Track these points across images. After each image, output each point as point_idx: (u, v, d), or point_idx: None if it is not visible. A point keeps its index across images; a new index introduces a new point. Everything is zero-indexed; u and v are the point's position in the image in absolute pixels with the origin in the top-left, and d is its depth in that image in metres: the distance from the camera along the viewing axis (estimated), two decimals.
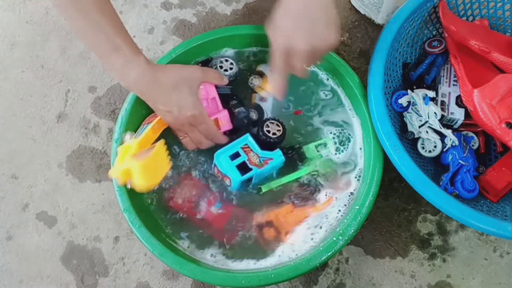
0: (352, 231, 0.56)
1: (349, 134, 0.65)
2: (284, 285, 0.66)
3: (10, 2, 0.86)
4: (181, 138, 0.62)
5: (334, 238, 0.56)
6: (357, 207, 0.58)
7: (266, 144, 0.62)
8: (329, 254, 0.55)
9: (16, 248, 0.71)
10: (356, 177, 0.63)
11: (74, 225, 0.71)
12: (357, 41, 0.79)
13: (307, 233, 0.60)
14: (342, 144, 0.65)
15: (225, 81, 0.63)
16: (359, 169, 0.63)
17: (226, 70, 0.65)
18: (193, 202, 0.62)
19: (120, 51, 0.54)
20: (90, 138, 0.76)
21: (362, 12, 0.80)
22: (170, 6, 0.84)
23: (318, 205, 0.61)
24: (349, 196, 0.61)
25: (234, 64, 0.66)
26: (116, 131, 0.63)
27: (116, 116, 0.76)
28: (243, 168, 0.60)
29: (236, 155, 0.61)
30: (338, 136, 0.65)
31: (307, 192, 0.62)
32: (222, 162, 0.61)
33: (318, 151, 0.64)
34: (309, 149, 0.64)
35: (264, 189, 0.62)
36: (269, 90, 0.65)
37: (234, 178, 0.60)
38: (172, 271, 0.68)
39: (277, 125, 0.63)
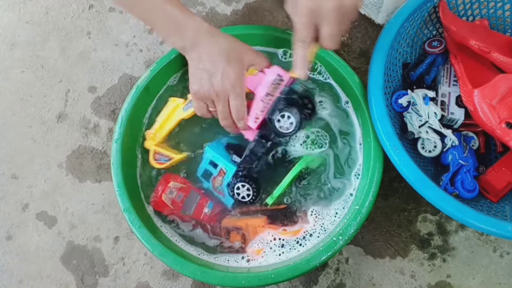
0: (352, 231, 0.56)
1: (325, 137, 0.65)
2: (284, 285, 0.66)
3: (10, 2, 0.86)
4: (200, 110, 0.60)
5: (334, 238, 0.56)
6: (357, 207, 0.58)
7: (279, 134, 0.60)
8: (329, 254, 0.55)
9: (16, 248, 0.71)
10: (355, 175, 0.63)
11: (74, 225, 0.71)
12: (357, 41, 0.79)
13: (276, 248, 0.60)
14: (318, 144, 0.65)
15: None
16: (359, 165, 0.63)
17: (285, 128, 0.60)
18: (182, 204, 0.63)
19: (178, 9, 0.55)
20: (90, 138, 0.76)
21: (362, 12, 0.80)
22: None
23: (288, 231, 0.61)
24: (348, 197, 0.61)
25: (293, 119, 0.58)
26: (116, 131, 0.63)
27: (116, 116, 0.76)
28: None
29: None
30: (316, 136, 0.65)
31: (284, 215, 0.62)
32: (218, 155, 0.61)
33: (306, 144, 0.64)
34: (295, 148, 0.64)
35: (269, 201, 0.61)
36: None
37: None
38: (172, 271, 0.68)
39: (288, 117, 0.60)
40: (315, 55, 0.54)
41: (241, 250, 0.61)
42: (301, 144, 0.64)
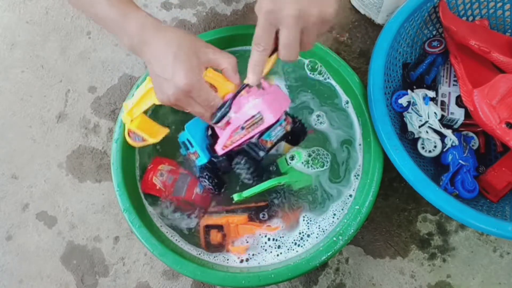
0: (352, 231, 0.56)
1: (327, 155, 0.64)
2: (284, 285, 0.66)
3: (10, 2, 0.86)
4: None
5: (334, 238, 0.56)
6: (357, 207, 0.58)
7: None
8: (329, 254, 0.55)
9: (16, 248, 0.71)
10: (355, 175, 0.63)
11: (74, 225, 0.71)
12: (357, 41, 0.79)
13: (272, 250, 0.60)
14: (318, 163, 0.64)
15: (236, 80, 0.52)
16: (359, 165, 0.63)
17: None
18: (173, 187, 0.63)
19: (121, 4, 0.51)
20: (90, 138, 0.76)
21: (362, 12, 0.80)
22: (170, 6, 0.84)
23: (270, 227, 0.61)
24: (348, 198, 0.61)
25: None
26: (116, 131, 0.63)
27: (116, 116, 0.76)
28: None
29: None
30: (316, 155, 0.64)
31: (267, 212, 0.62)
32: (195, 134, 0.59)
33: (288, 163, 0.62)
34: (282, 162, 0.63)
35: (235, 198, 0.61)
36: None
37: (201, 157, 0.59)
38: (172, 271, 0.68)
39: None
40: (272, 65, 0.49)
41: (221, 247, 0.61)
42: (302, 163, 0.62)
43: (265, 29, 0.45)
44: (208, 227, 0.61)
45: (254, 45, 0.47)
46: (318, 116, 0.66)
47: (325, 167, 0.63)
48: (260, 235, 0.60)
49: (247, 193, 0.60)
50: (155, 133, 0.60)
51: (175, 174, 0.63)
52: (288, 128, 0.54)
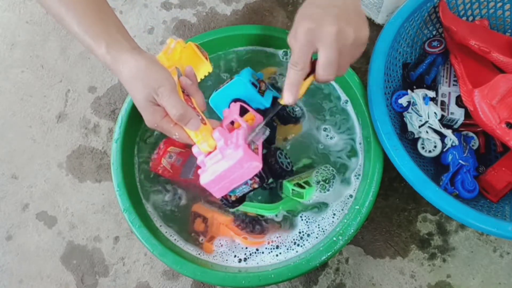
0: (352, 231, 0.56)
1: (334, 172, 0.63)
2: (284, 285, 0.66)
3: (10, 2, 0.86)
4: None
5: (334, 238, 0.56)
6: (357, 207, 0.58)
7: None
8: (329, 254, 0.55)
9: (16, 248, 0.71)
10: (355, 175, 0.63)
11: (74, 225, 0.71)
12: None
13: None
14: (327, 182, 0.63)
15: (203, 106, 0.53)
16: (359, 165, 0.63)
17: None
18: (181, 169, 0.63)
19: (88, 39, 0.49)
20: (90, 138, 0.76)
21: None
22: (170, 6, 0.84)
23: (249, 239, 0.60)
24: (348, 198, 0.61)
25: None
26: (116, 131, 0.63)
27: (116, 116, 0.76)
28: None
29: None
30: (321, 174, 0.63)
31: (251, 223, 0.61)
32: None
33: (293, 194, 0.59)
34: (287, 187, 0.60)
35: (231, 209, 0.61)
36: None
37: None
38: (172, 271, 0.68)
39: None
40: (307, 88, 0.50)
41: (198, 242, 0.61)
42: (319, 190, 0.62)
43: (304, 48, 0.45)
44: (195, 214, 0.62)
45: (291, 64, 0.47)
46: (325, 129, 0.66)
47: (332, 182, 0.63)
48: (238, 243, 0.60)
49: (242, 207, 0.60)
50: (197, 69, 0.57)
51: (184, 156, 0.63)
52: (255, 186, 0.53)
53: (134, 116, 0.64)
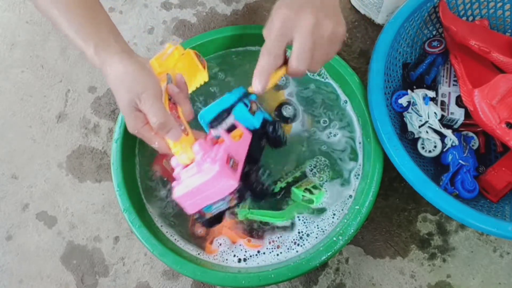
0: (352, 231, 0.56)
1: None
2: (284, 285, 0.66)
3: (10, 2, 0.86)
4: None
5: (334, 238, 0.56)
6: (357, 207, 0.58)
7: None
8: (329, 254, 0.55)
9: (16, 248, 0.71)
10: (355, 175, 0.63)
11: (74, 225, 0.71)
12: (357, 41, 0.79)
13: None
14: (322, 173, 0.63)
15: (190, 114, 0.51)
16: (359, 165, 0.63)
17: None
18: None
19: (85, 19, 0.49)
20: (90, 138, 0.76)
21: (362, 12, 0.80)
22: (170, 6, 0.84)
23: (251, 242, 0.60)
24: (347, 198, 0.61)
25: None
26: (116, 131, 0.63)
27: (116, 116, 0.76)
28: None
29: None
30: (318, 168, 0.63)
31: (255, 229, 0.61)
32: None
33: (303, 200, 0.60)
34: (296, 194, 0.61)
35: (240, 217, 0.61)
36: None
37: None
38: (172, 271, 0.68)
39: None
40: (278, 79, 0.48)
41: (198, 242, 0.60)
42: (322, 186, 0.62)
43: (279, 36, 0.44)
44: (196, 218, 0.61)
45: (264, 51, 0.45)
46: (324, 129, 0.66)
47: (327, 173, 0.63)
48: (240, 245, 0.60)
49: (253, 215, 0.59)
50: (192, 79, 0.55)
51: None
52: (233, 203, 0.51)
53: None
